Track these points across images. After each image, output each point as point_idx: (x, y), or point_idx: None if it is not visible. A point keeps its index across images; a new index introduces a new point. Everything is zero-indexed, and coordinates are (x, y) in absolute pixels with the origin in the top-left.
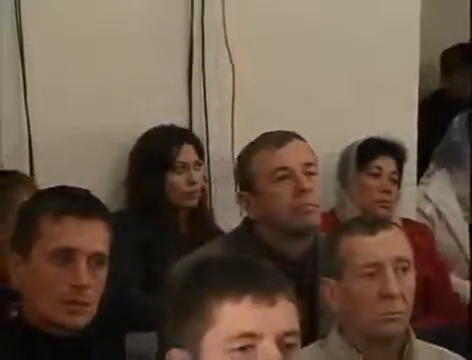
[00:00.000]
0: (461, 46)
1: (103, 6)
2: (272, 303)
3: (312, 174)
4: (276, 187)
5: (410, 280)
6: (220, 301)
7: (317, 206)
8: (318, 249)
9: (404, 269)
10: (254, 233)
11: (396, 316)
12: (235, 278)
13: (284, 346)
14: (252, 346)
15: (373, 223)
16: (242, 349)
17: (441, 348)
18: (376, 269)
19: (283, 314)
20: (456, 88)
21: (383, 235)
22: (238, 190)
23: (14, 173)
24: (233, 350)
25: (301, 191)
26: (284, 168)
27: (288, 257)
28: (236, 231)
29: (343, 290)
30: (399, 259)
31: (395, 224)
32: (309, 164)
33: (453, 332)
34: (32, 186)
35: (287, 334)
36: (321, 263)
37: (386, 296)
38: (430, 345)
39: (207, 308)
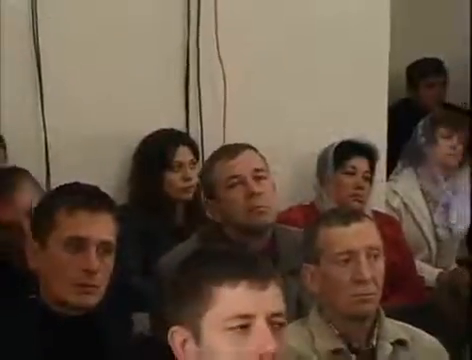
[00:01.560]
0: (424, 60)
1: (116, 26)
2: (264, 288)
3: (261, 178)
4: (231, 193)
5: (380, 266)
6: (219, 285)
7: (268, 207)
8: (277, 241)
9: (375, 256)
10: (222, 233)
11: (368, 297)
12: (233, 265)
13: (274, 325)
14: (247, 325)
15: (348, 215)
16: (238, 328)
17: (406, 324)
18: (350, 256)
19: (273, 297)
20: (420, 97)
21: (356, 226)
22: (204, 198)
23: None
24: (230, 328)
25: (252, 195)
26: (235, 176)
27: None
28: (207, 231)
29: (322, 274)
30: (371, 247)
31: (367, 216)
32: (258, 170)
33: (418, 311)
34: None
35: (277, 315)
36: (301, 250)
37: (359, 280)
38: (397, 322)
39: (207, 291)
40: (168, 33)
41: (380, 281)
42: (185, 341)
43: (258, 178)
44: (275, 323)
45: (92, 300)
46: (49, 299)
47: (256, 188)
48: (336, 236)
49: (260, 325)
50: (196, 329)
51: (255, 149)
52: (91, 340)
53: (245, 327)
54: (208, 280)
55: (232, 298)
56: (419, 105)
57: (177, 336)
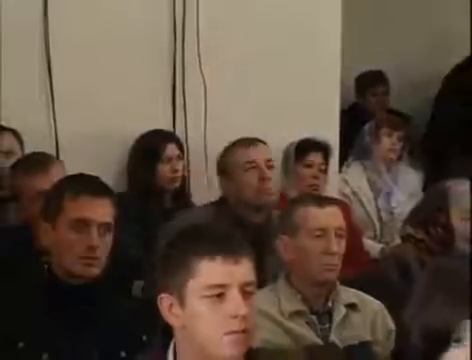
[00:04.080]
0: (370, 72)
1: (118, 46)
2: (237, 262)
3: (270, 167)
4: (246, 176)
5: (343, 244)
6: (199, 259)
7: (273, 189)
8: (271, 219)
9: (340, 236)
10: (229, 206)
11: (333, 267)
12: (210, 243)
13: (245, 293)
14: (222, 294)
15: (321, 199)
16: (215, 296)
17: (354, 290)
18: (322, 233)
19: (245, 270)
20: (367, 103)
21: (329, 209)
22: (219, 177)
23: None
24: (208, 296)
25: (264, 178)
26: (252, 162)
27: (255, 224)
28: (216, 203)
29: (296, 245)
30: (339, 228)
31: (337, 202)
32: (269, 160)
33: (364, 280)
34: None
35: (247, 284)
36: (278, 225)
37: (329, 252)
38: (349, 289)
39: (189, 264)
40: (159, 52)
41: (342, 255)
42: (171, 306)
43: (269, 166)
44: (246, 292)
45: (94, 271)
46: (59, 270)
47: (267, 173)
48: (312, 215)
49: (233, 293)
50: (180, 296)
51: (265, 143)
52: (92, 304)
53: (221, 294)
54: (190, 255)
55: (210, 270)
56: (366, 109)
57: (164, 301)
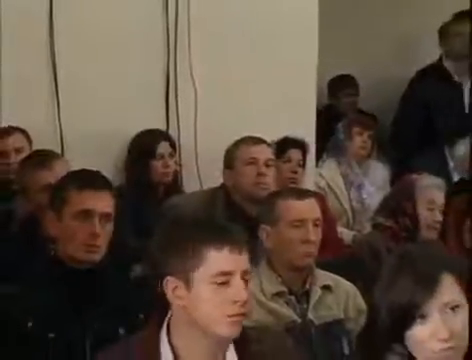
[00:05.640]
0: (341, 76)
1: (119, 57)
2: (240, 252)
3: (269, 165)
4: (246, 169)
5: (319, 232)
6: (208, 249)
7: (270, 185)
8: None
9: (317, 225)
10: (228, 195)
11: (310, 254)
12: (219, 234)
13: (245, 280)
14: (227, 281)
15: (302, 192)
16: (221, 283)
17: (329, 273)
18: (301, 223)
19: (245, 259)
20: (339, 104)
21: (307, 201)
22: (223, 168)
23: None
24: (215, 282)
25: (261, 174)
26: (253, 158)
27: (249, 214)
28: (216, 190)
29: (276, 234)
30: (316, 218)
31: (314, 195)
32: (269, 159)
33: (337, 264)
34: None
35: (247, 272)
36: (260, 215)
37: (307, 241)
38: (323, 272)
39: (199, 253)
40: (153, 58)
41: (318, 243)
42: (176, 288)
43: (267, 165)
44: (245, 279)
45: (96, 257)
46: (63, 256)
47: (265, 170)
48: (292, 206)
49: (237, 280)
50: (187, 280)
51: (270, 145)
52: (94, 286)
53: (226, 281)
54: (201, 244)
55: (218, 259)
56: (338, 110)
57: (170, 284)
